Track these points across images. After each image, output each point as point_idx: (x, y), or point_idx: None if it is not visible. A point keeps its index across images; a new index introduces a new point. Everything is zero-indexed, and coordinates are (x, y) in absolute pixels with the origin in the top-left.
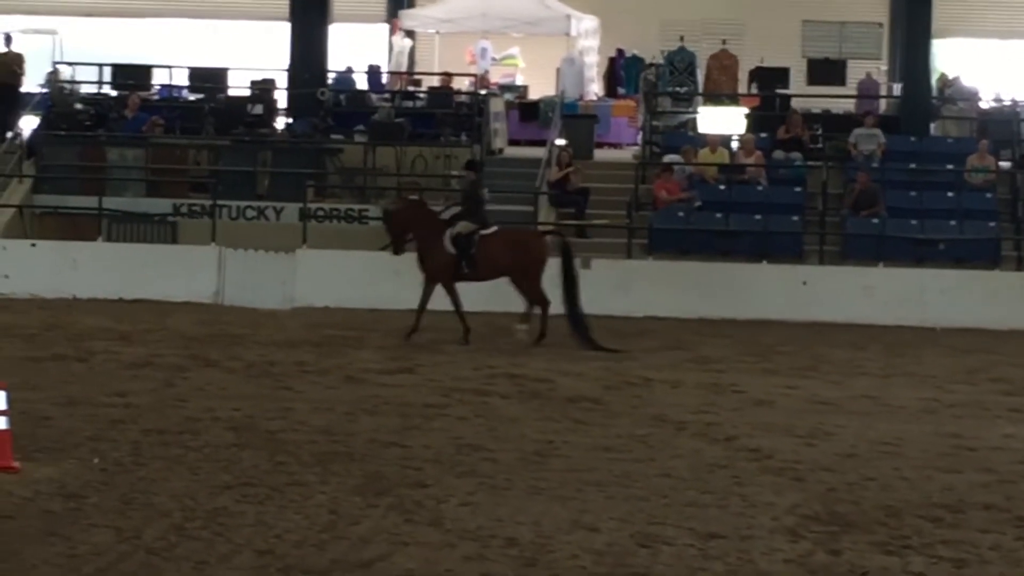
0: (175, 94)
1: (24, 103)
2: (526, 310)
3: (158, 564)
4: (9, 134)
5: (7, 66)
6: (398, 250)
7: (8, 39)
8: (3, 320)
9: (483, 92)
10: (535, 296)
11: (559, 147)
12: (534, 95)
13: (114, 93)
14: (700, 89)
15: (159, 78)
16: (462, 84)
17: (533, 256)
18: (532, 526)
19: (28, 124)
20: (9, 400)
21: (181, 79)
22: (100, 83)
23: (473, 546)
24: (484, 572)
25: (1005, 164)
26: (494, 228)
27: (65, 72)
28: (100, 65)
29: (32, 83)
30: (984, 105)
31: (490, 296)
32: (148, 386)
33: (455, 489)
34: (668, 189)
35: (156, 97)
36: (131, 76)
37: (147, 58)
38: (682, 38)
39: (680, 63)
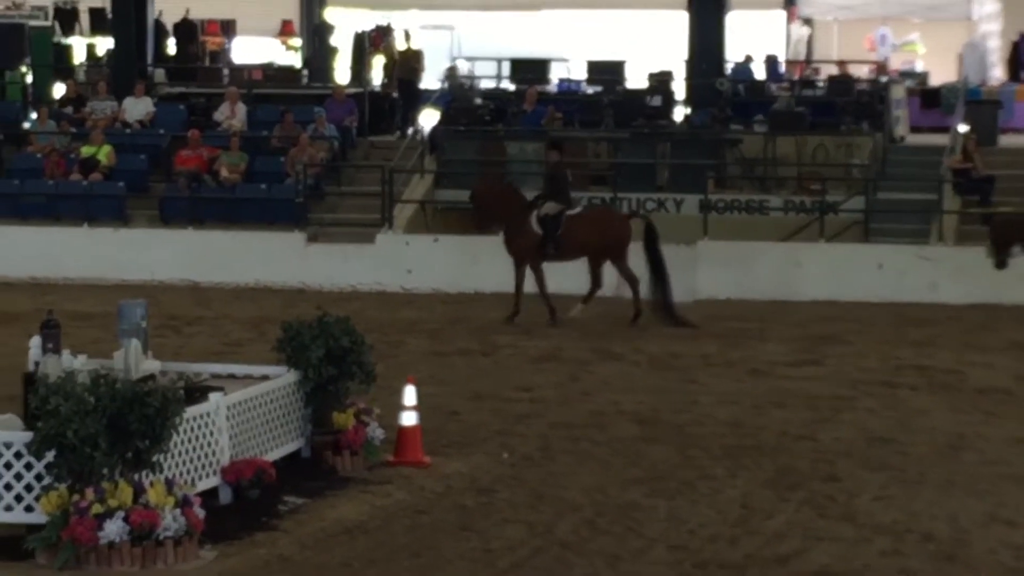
0: (573, 87)
1: (424, 99)
2: (588, 292)
3: (571, 559)
4: (410, 130)
5: (407, 63)
6: (483, 229)
7: (407, 36)
8: (408, 315)
9: (884, 79)
10: (624, 274)
11: (962, 134)
12: (935, 81)
13: (512, 87)
14: None
15: (557, 72)
16: (861, 71)
17: (617, 236)
18: (948, 520)
19: (428, 120)
20: (418, 395)
21: (579, 72)
22: (498, 77)
23: (889, 540)
24: (902, 567)
25: None
26: (579, 208)
27: (463, 67)
28: (498, 60)
29: (431, 79)
30: None
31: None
32: (553, 380)
33: (867, 483)
34: None
35: (554, 90)
36: (529, 70)
37: (544, 52)
38: None
39: None
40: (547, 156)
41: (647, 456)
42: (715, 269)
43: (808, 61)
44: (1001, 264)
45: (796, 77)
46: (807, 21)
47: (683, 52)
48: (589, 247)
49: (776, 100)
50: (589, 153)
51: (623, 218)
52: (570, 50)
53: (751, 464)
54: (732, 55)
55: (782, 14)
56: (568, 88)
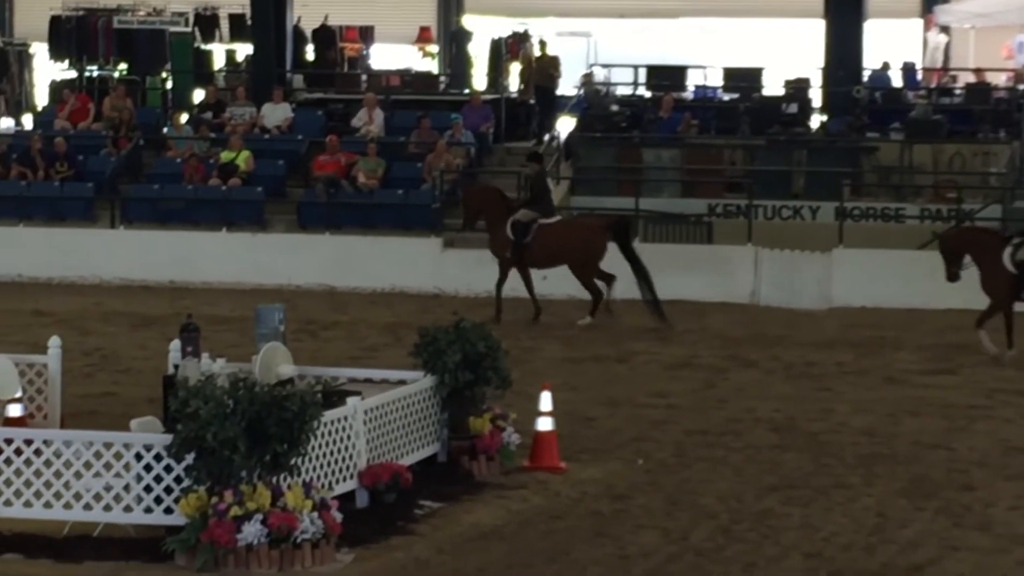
0: (709, 94)
1: (560, 105)
2: (607, 296)
3: (706, 566)
4: (546, 137)
5: (543, 69)
6: (468, 227)
7: (543, 43)
8: (543, 321)
9: (1021, 87)
10: (586, 286)
11: None
12: None
13: (648, 94)
14: None
15: (693, 78)
16: (999, 79)
17: (587, 247)
18: None
19: (564, 126)
20: (553, 401)
21: (715, 79)
22: (635, 84)
23: None
24: None
25: None
26: (556, 217)
27: (600, 74)
28: (635, 66)
29: (568, 85)
30: None
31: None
32: (688, 387)
33: (1003, 492)
34: None
35: (690, 97)
36: (665, 77)
37: (681, 58)
38: None
39: None
40: (527, 167)
41: (782, 464)
42: (850, 277)
43: (945, 69)
44: (953, 277)
45: (933, 85)
46: (944, 29)
47: (820, 59)
48: (561, 256)
49: (913, 108)
50: (725, 160)
51: (598, 229)
52: (707, 57)
53: (885, 473)
54: (869, 63)
55: (919, 22)
56: (704, 95)
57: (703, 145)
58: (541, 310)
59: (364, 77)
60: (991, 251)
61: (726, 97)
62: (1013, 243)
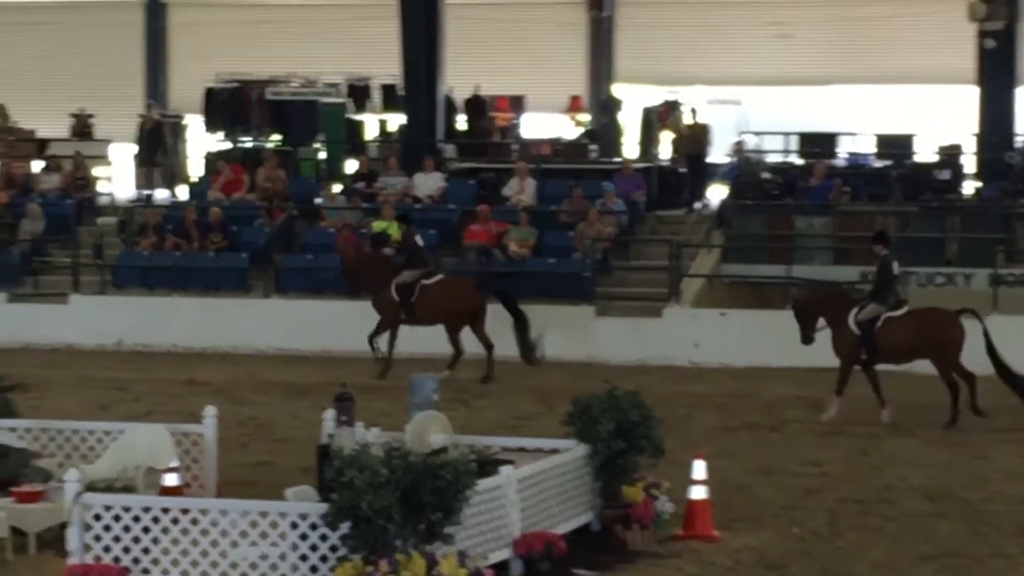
0: (861, 161)
1: (711, 173)
2: (452, 358)
3: None
4: (698, 204)
5: (694, 137)
6: (352, 292)
7: (694, 110)
8: (696, 389)
9: None
10: (453, 344)
11: None
12: None
13: (800, 161)
14: None
15: (844, 145)
16: None
17: (467, 304)
18: None
19: (716, 194)
20: (707, 469)
21: (867, 146)
22: (786, 151)
23: None
24: None
25: None
26: (439, 277)
27: (751, 141)
28: (785, 134)
29: (719, 153)
30: None
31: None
32: (841, 454)
33: None
34: None
35: (842, 164)
36: (816, 144)
37: (832, 125)
38: None
39: None
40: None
41: (937, 532)
42: (1005, 343)
43: None
44: (807, 340)
45: None
46: None
47: (973, 126)
48: (440, 315)
49: None
50: (877, 227)
51: (474, 287)
52: (858, 124)
53: None
54: (1022, 128)
55: None
56: (856, 162)
57: (855, 212)
58: (390, 368)
59: (515, 146)
60: (841, 313)
61: (878, 164)
62: (860, 304)
